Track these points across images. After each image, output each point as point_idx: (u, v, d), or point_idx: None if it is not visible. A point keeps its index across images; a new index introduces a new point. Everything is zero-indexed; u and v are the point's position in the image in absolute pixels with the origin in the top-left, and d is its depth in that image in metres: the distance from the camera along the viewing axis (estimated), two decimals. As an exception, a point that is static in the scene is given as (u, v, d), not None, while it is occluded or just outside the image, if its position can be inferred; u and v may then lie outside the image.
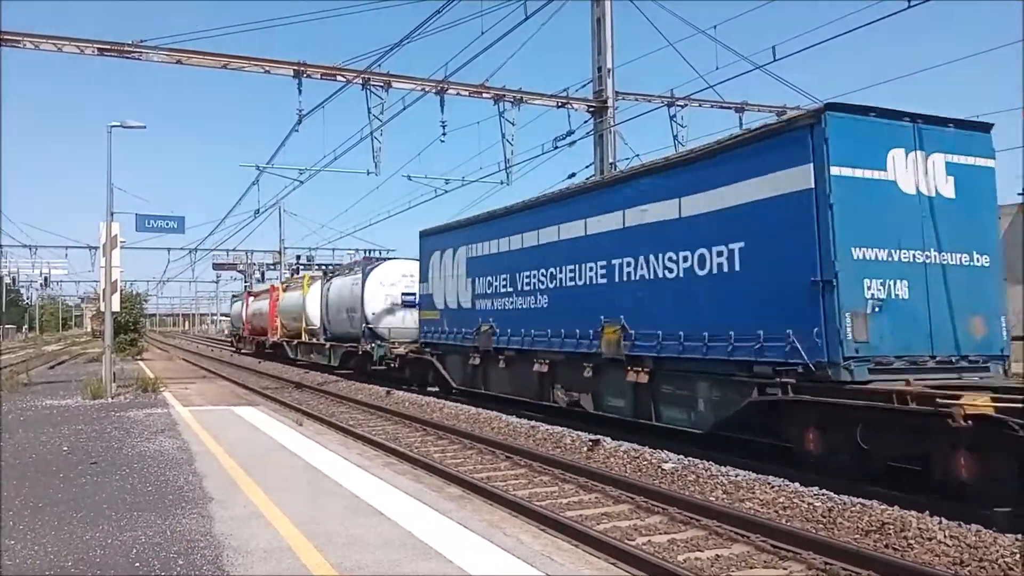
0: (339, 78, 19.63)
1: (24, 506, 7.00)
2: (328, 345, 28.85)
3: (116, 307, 18.73)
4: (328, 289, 29.31)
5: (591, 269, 13.00)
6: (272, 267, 63.81)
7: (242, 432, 11.88)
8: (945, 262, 9.18)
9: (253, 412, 14.62)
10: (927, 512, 6.98)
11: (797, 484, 8.25)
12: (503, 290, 16.05)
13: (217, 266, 73.58)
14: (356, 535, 5.94)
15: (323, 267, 42.29)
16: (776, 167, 9.39)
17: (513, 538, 6.20)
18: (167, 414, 14.12)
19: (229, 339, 58.30)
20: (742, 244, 9.91)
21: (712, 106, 23.43)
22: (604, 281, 12.64)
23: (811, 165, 8.89)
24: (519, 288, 15.39)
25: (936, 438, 7.55)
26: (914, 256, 9.03)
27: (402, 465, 11.12)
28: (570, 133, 20.54)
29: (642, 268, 11.75)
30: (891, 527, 6.84)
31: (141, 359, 33.97)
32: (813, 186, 8.87)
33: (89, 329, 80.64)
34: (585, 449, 11.25)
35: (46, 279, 66.70)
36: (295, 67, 19.13)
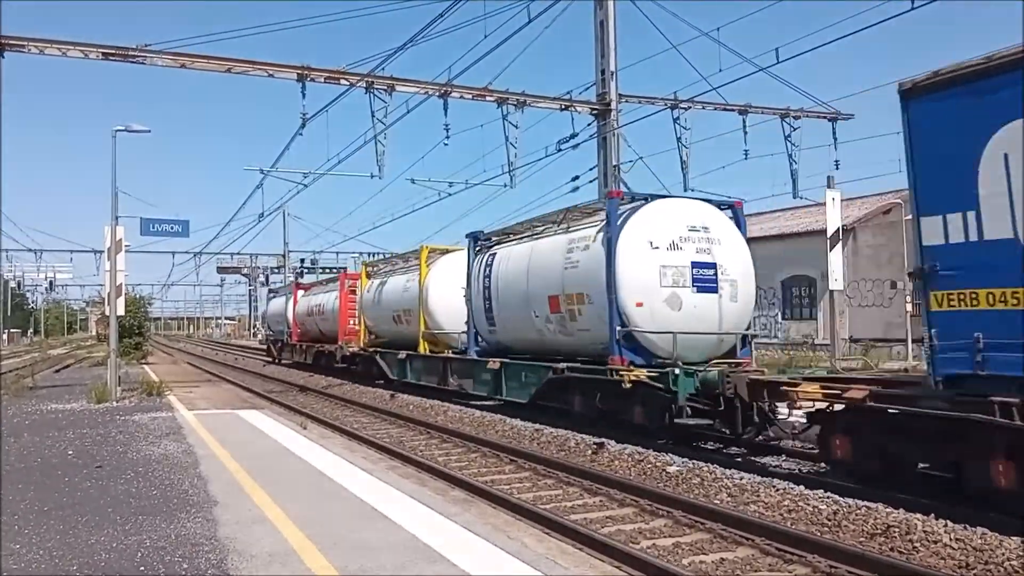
0: (343, 82, 19.67)
1: (29, 509, 7.02)
2: (493, 363, 15.66)
3: (121, 311, 18.80)
4: (490, 264, 16.02)
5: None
6: (276, 271, 64.01)
7: (247, 436, 11.90)
8: None
9: (258, 416, 14.65)
10: (932, 515, 6.95)
11: (802, 487, 8.22)
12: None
13: (221, 269, 73.95)
14: (361, 539, 5.94)
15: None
16: None
17: (517, 541, 6.20)
18: (172, 418, 14.15)
19: (263, 346, 48.69)
20: None
21: (716, 108, 23.48)
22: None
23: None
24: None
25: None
26: None
27: (406, 468, 11.11)
28: (574, 136, 20.57)
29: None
30: (896, 530, 6.81)
31: (146, 363, 34.06)
32: None
33: (94, 333, 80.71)
34: (589, 452, 11.23)
35: (51, 283, 66.85)
36: (299, 71, 19.16)
